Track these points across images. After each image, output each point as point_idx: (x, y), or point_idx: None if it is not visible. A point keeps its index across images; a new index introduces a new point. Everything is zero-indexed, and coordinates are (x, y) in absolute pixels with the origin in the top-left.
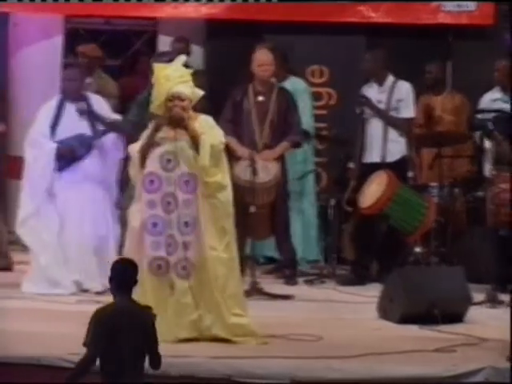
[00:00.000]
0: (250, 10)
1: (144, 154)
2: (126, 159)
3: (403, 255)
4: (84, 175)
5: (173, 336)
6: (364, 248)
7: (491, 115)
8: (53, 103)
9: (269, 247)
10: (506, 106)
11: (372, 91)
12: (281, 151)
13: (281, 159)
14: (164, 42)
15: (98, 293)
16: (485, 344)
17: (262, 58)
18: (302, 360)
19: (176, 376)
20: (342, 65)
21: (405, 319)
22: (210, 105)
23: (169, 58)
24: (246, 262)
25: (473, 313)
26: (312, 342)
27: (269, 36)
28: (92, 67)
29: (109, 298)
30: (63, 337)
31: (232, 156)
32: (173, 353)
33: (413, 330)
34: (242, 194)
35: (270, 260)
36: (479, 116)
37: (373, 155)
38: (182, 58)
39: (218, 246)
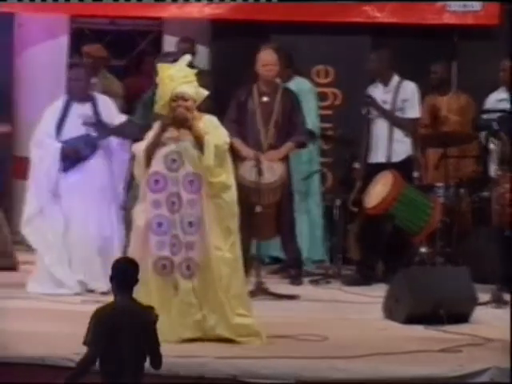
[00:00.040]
0: (255, 10)
1: (149, 154)
2: (132, 159)
3: (409, 255)
4: (89, 175)
5: (177, 336)
6: (369, 248)
7: (496, 115)
8: (59, 103)
9: (274, 247)
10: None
11: (377, 91)
12: (286, 151)
13: (285, 159)
14: (169, 42)
15: (104, 293)
16: (490, 344)
17: (267, 58)
18: (307, 360)
19: (182, 376)
20: (348, 65)
21: (410, 319)
22: (215, 105)
23: (173, 58)
24: (252, 262)
25: (478, 313)
26: (317, 342)
27: (274, 36)
28: (97, 67)
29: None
30: (68, 337)
31: (237, 156)
32: (178, 353)
33: (418, 330)
34: (248, 194)
35: (276, 260)
36: (484, 116)
37: (378, 155)
38: (187, 57)
39: (223, 246)
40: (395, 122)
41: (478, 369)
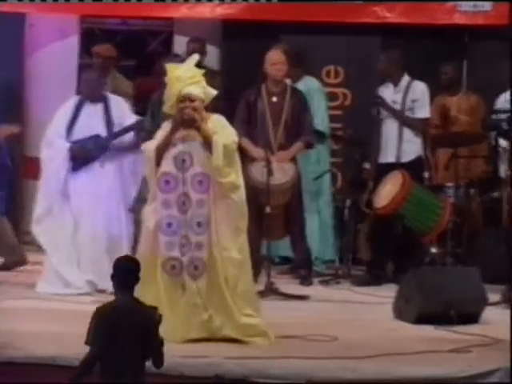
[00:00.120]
0: (266, 10)
1: (160, 154)
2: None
3: (419, 256)
4: (98, 176)
5: (182, 336)
6: (379, 248)
7: (506, 115)
8: (71, 103)
9: (284, 247)
10: None
11: (387, 91)
12: (295, 152)
13: (294, 160)
14: (180, 43)
15: (113, 293)
16: (500, 345)
17: (275, 58)
18: (317, 360)
19: (187, 376)
20: (357, 65)
21: (420, 320)
22: (225, 105)
23: (181, 59)
24: (262, 262)
25: (488, 313)
26: (327, 342)
27: (284, 36)
28: (107, 67)
29: None
30: (78, 337)
31: (247, 157)
32: (188, 353)
33: (428, 330)
34: (258, 195)
35: (286, 260)
36: (494, 116)
37: (388, 155)
38: (195, 57)
39: (232, 247)
40: (405, 121)
41: (487, 369)
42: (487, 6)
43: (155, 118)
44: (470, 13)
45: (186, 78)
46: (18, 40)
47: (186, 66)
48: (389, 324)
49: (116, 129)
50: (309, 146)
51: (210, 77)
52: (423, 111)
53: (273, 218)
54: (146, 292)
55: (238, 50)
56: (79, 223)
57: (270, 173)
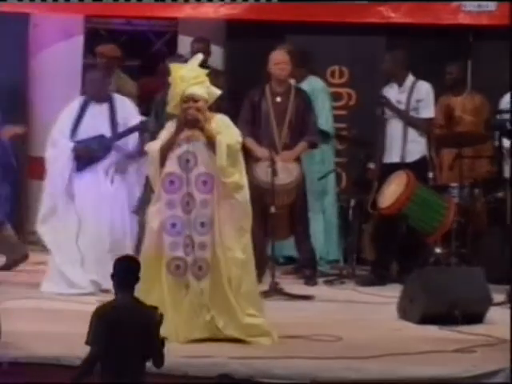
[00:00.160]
0: (270, 10)
1: (164, 154)
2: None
3: (423, 256)
4: (103, 176)
5: (186, 336)
6: (384, 248)
7: (510, 115)
8: (76, 104)
9: (288, 247)
10: None
11: (392, 92)
12: (299, 152)
13: (298, 160)
14: (184, 43)
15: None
16: (505, 345)
17: (278, 57)
18: (321, 360)
19: (194, 376)
20: (362, 65)
21: (425, 320)
22: (230, 105)
23: (185, 59)
24: (266, 262)
25: (493, 313)
26: (332, 342)
27: (288, 36)
28: (111, 67)
29: None
30: (82, 337)
31: (251, 157)
32: (192, 353)
33: (433, 330)
34: (264, 195)
35: (290, 260)
36: (498, 116)
37: (392, 155)
38: (199, 56)
39: (235, 247)
40: (410, 121)
41: (492, 369)
42: (492, 6)
43: (159, 118)
44: (475, 13)
45: (189, 78)
46: (23, 40)
47: (189, 66)
48: (393, 324)
49: (121, 129)
50: (313, 145)
51: (214, 77)
52: (428, 111)
53: (277, 218)
54: (150, 292)
55: (242, 50)
56: (83, 223)
57: (274, 173)
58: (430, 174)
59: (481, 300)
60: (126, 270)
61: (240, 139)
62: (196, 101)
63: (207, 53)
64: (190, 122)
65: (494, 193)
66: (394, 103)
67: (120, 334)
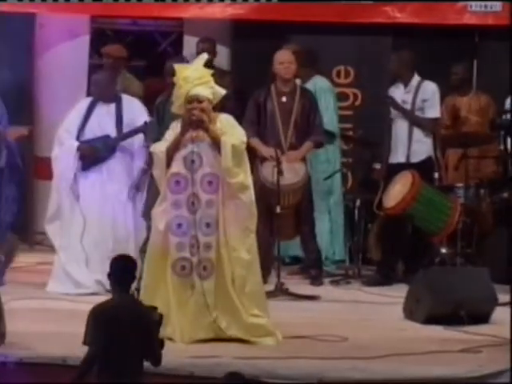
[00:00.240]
0: (276, 10)
1: (170, 155)
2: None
3: (429, 256)
4: (106, 176)
5: (191, 337)
6: (390, 248)
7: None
8: (84, 104)
9: (294, 247)
10: None
11: (398, 92)
12: (305, 151)
13: (304, 159)
14: (190, 43)
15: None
16: (510, 345)
17: (283, 57)
18: (327, 360)
19: (200, 376)
20: (368, 65)
21: (430, 320)
22: (235, 105)
23: (186, 61)
24: (272, 262)
25: (498, 314)
26: (337, 342)
27: (294, 37)
28: (117, 67)
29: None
30: None
31: (257, 157)
32: (198, 353)
33: (438, 330)
34: (270, 195)
35: (296, 260)
36: (504, 116)
37: (398, 156)
38: (204, 56)
39: (240, 247)
40: (415, 121)
41: (497, 369)
42: (497, 6)
43: (160, 119)
44: (481, 13)
45: (194, 79)
46: (29, 40)
47: (194, 67)
48: (399, 324)
49: (127, 130)
50: (318, 145)
51: (220, 77)
52: (433, 111)
53: (283, 218)
54: (155, 293)
55: (248, 50)
56: (88, 223)
57: (280, 173)
58: (436, 174)
59: (486, 300)
60: (123, 270)
61: (245, 139)
62: (200, 101)
63: (213, 53)
64: (195, 122)
65: (499, 193)
66: (399, 103)
67: (118, 333)
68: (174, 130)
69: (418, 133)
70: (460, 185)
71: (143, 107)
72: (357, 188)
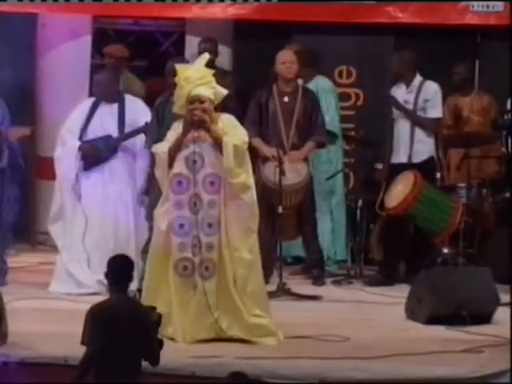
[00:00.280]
0: (277, 10)
1: (173, 156)
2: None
3: (431, 256)
4: (108, 177)
5: (192, 337)
6: (392, 248)
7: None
8: (87, 103)
9: (296, 247)
10: None
11: (400, 92)
12: (307, 151)
13: (306, 159)
14: (192, 43)
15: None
16: None
17: (285, 57)
18: (329, 360)
19: (201, 376)
20: (370, 65)
21: (432, 320)
22: (237, 105)
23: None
24: (274, 262)
25: (500, 314)
26: (339, 342)
27: (296, 37)
28: (119, 67)
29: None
30: None
31: (259, 157)
32: (199, 353)
33: (440, 330)
34: (272, 195)
35: (298, 259)
36: (506, 116)
37: (400, 156)
38: (205, 56)
39: (242, 247)
40: (417, 121)
41: (499, 369)
42: (499, 6)
43: (160, 120)
44: (483, 13)
45: (195, 79)
46: (31, 40)
47: (195, 67)
48: (401, 324)
49: (129, 130)
50: (321, 145)
51: (222, 77)
52: (435, 111)
53: (285, 218)
54: (157, 293)
55: (250, 50)
56: (90, 223)
57: (282, 173)
58: (438, 175)
59: (488, 300)
60: (120, 269)
61: (247, 139)
62: (202, 102)
63: (215, 53)
64: (196, 123)
65: (501, 193)
66: (401, 103)
67: (116, 333)
68: (175, 130)
69: (419, 133)
70: (462, 185)
71: (146, 107)
72: (359, 188)
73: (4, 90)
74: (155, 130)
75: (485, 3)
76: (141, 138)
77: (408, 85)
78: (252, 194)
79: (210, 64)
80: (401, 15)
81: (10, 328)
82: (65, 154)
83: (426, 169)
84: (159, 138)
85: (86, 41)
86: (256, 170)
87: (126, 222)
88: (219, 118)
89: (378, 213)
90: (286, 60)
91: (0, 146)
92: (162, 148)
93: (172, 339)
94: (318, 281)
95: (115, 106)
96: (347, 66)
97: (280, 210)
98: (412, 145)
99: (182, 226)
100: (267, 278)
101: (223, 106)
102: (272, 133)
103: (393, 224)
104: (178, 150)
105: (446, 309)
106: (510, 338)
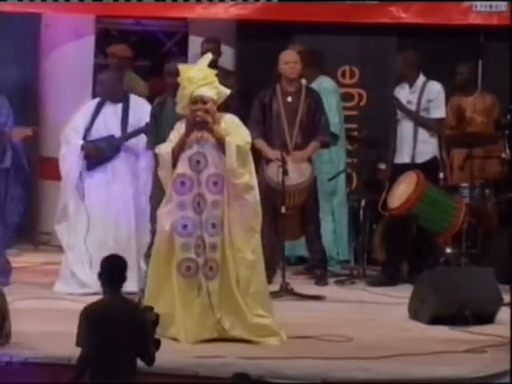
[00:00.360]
0: (280, 10)
1: (176, 156)
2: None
3: (434, 256)
4: (110, 177)
5: (195, 337)
6: (395, 248)
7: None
8: (92, 103)
9: (299, 247)
10: None
11: (403, 92)
12: (311, 151)
13: (310, 160)
14: (195, 43)
15: (130, 293)
16: None
17: (288, 57)
18: (332, 360)
19: (205, 376)
20: (373, 65)
21: (435, 320)
22: (240, 105)
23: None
24: (277, 262)
25: (503, 314)
26: (342, 342)
27: (299, 37)
28: (122, 67)
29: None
30: None
31: (263, 158)
32: (202, 353)
33: (443, 330)
34: (275, 195)
35: (301, 260)
36: (508, 116)
37: (403, 156)
38: (208, 56)
39: (245, 248)
40: (420, 122)
41: (503, 369)
42: (502, 6)
43: (158, 121)
44: (486, 13)
45: (198, 80)
46: (34, 40)
47: (198, 67)
48: (404, 324)
49: (132, 130)
50: (325, 145)
51: (225, 77)
52: (438, 111)
53: (288, 218)
54: (160, 293)
55: (253, 50)
56: (92, 223)
57: (285, 173)
58: (441, 175)
59: (491, 300)
60: (113, 269)
61: (249, 140)
62: (205, 102)
63: (218, 53)
64: (199, 123)
65: (504, 193)
66: (404, 103)
67: (110, 333)
68: (178, 130)
69: (423, 133)
70: (465, 185)
71: (150, 107)
72: (361, 188)
73: (8, 90)
74: (153, 131)
75: (488, 3)
76: (143, 139)
77: (411, 85)
78: (255, 195)
79: (212, 64)
80: (404, 15)
81: (13, 328)
82: (68, 152)
83: (428, 169)
84: (157, 138)
85: (90, 41)
86: (259, 170)
87: (127, 221)
88: (222, 118)
89: (381, 213)
90: (289, 60)
91: (3, 147)
92: (165, 149)
93: (175, 339)
94: (321, 281)
95: (119, 106)
96: (350, 66)
97: (283, 210)
98: (415, 145)
99: (185, 226)
100: (270, 277)
101: (226, 106)
102: (275, 133)
103: (396, 224)
104: (181, 150)
105: (448, 309)
106: (510, 337)
